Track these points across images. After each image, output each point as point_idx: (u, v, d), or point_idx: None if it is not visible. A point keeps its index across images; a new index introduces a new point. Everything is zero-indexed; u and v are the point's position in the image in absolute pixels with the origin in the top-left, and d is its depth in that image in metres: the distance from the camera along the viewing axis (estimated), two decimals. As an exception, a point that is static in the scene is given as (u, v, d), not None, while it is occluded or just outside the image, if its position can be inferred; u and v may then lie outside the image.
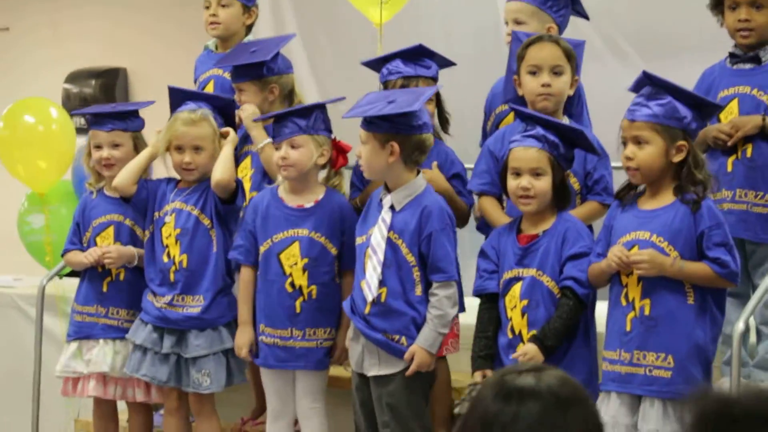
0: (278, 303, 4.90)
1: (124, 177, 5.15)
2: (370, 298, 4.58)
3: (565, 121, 4.75)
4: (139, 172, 5.16)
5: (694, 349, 4.20)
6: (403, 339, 4.59)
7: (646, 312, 4.23)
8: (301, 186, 4.94)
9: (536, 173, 4.37)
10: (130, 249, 5.30)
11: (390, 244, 4.58)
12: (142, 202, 5.19)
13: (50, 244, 6.40)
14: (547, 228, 4.42)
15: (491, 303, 4.51)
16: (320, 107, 4.95)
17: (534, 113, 4.57)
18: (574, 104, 4.92)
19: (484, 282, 4.53)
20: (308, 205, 4.92)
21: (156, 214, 5.17)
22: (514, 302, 4.42)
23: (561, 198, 4.44)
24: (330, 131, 4.95)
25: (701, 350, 4.21)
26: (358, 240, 4.71)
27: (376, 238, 4.59)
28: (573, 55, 4.74)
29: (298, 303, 4.89)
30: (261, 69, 5.27)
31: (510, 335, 4.41)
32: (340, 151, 4.98)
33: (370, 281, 4.58)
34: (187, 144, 5.07)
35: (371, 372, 4.65)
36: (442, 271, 4.58)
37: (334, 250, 4.90)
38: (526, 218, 4.48)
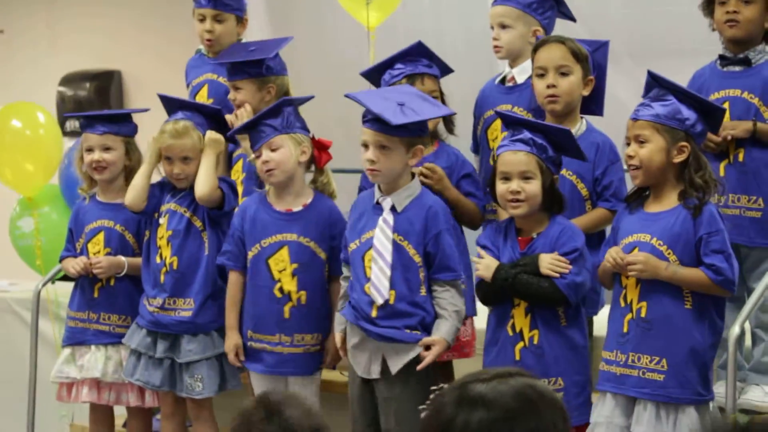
0: (267, 309, 4.88)
1: (134, 196, 5.15)
2: (380, 301, 4.54)
3: (582, 123, 4.74)
4: (147, 187, 5.16)
5: (690, 354, 4.19)
6: (416, 331, 4.57)
7: (643, 314, 4.23)
8: (288, 189, 4.91)
9: (525, 177, 4.36)
10: (119, 259, 5.31)
11: (394, 245, 4.57)
12: (151, 208, 5.20)
13: (40, 248, 6.41)
14: (542, 231, 4.42)
15: None
16: (289, 104, 4.90)
17: (519, 117, 4.56)
18: (595, 105, 4.87)
19: None
20: (297, 209, 4.90)
21: (155, 215, 5.18)
22: (516, 301, 4.41)
23: (552, 202, 4.42)
24: (307, 129, 4.93)
25: (698, 355, 4.20)
26: (352, 245, 4.66)
27: (380, 240, 4.56)
28: (584, 55, 4.70)
29: (287, 308, 4.86)
30: (260, 67, 5.24)
31: (511, 333, 4.41)
32: (321, 148, 4.95)
33: (378, 284, 4.55)
34: (175, 155, 5.08)
35: (377, 374, 4.62)
36: (451, 270, 4.57)
37: (323, 255, 4.88)
38: (519, 221, 4.46)
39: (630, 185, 4.50)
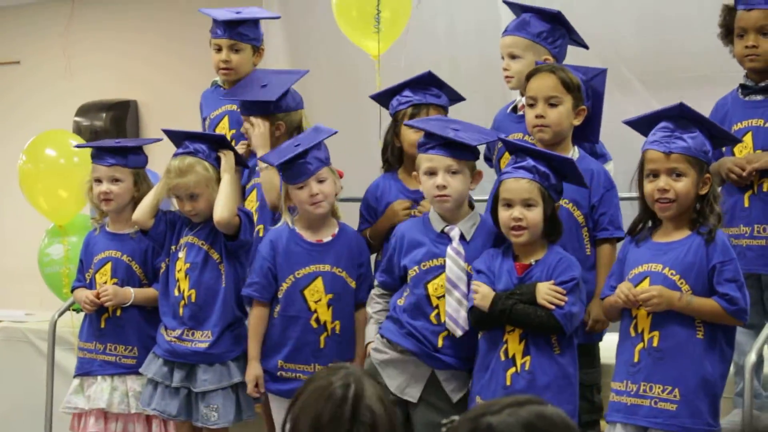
0: (302, 339, 4.91)
1: (141, 211, 5.19)
2: (459, 333, 4.55)
3: (575, 150, 4.73)
4: (156, 204, 5.19)
5: (702, 383, 4.16)
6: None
7: (655, 344, 4.20)
8: (321, 221, 4.95)
9: (528, 204, 4.36)
10: (127, 290, 5.33)
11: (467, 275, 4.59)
12: (160, 234, 5.22)
13: (68, 276, 6.42)
14: (540, 258, 4.41)
15: None
16: (326, 137, 4.96)
17: (522, 144, 4.56)
18: (591, 132, 4.86)
19: None
20: (326, 239, 4.95)
21: (173, 247, 5.20)
22: (510, 327, 4.40)
23: (552, 230, 4.42)
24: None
25: (709, 384, 4.18)
26: (412, 272, 4.65)
27: (453, 271, 4.56)
28: (575, 85, 4.68)
29: (322, 338, 4.91)
30: (268, 106, 5.26)
31: (503, 357, 4.39)
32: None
33: (457, 316, 4.54)
34: (182, 194, 5.10)
35: (415, 398, 4.64)
36: None
37: (353, 284, 4.93)
38: (518, 247, 4.45)
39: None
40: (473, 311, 4.45)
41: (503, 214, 4.40)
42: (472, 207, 4.69)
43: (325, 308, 4.91)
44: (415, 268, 4.64)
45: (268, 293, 4.96)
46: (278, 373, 4.95)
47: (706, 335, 4.18)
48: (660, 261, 4.23)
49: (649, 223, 4.34)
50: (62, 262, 6.45)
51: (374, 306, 4.84)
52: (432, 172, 4.58)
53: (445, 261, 4.59)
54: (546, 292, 4.30)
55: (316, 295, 4.90)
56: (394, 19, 6.22)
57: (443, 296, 4.58)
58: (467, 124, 4.73)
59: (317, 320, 4.90)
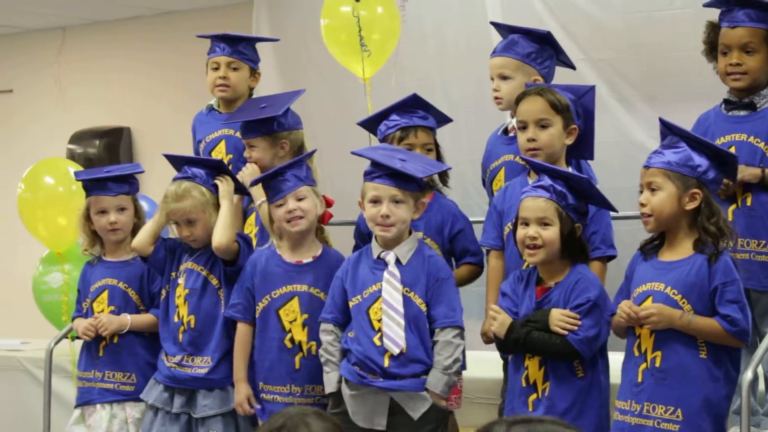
0: (277, 359, 4.90)
1: (142, 237, 5.19)
2: (396, 351, 4.56)
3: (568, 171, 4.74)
4: (156, 231, 5.19)
5: (705, 404, 4.15)
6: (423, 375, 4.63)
7: (657, 364, 4.19)
8: (303, 241, 4.96)
9: (543, 223, 4.36)
10: (124, 317, 5.33)
11: (403, 297, 4.61)
12: (159, 261, 5.22)
13: (67, 304, 6.42)
14: (560, 280, 4.40)
15: None
16: (308, 157, 5.00)
17: (542, 164, 4.56)
18: (585, 149, 4.89)
19: None
20: (306, 260, 4.95)
21: (173, 273, 5.20)
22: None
23: (573, 250, 4.41)
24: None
25: (712, 405, 4.16)
26: (354, 300, 4.70)
27: (389, 293, 4.60)
28: (564, 105, 4.72)
29: (297, 359, 4.90)
30: (272, 124, 5.27)
31: (524, 384, 4.40)
32: (326, 205, 5.03)
33: (393, 335, 4.57)
34: (180, 219, 5.11)
35: (383, 426, 4.64)
36: (448, 317, 4.62)
37: None
38: (541, 270, 4.46)
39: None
40: (495, 337, 4.48)
41: (520, 232, 4.41)
42: (410, 233, 4.72)
43: (300, 328, 4.90)
44: (358, 296, 4.68)
45: (249, 314, 4.99)
46: (261, 395, 4.95)
47: (709, 355, 4.17)
48: (662, 280, 4.23)
49: (656, 241, 4.35)
50: (61, 290, 6.45)
51: (328, 367, 4.78)
52: (376, 201, 4.62)
53: (382, 285, 4.63)
54: (558, 318, 4.30)
55: (292, 315, 4.90)
56: (383, 40, 6.24)
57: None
58: (414, 155, 4.78)
59: (291, 340, 4.90)
